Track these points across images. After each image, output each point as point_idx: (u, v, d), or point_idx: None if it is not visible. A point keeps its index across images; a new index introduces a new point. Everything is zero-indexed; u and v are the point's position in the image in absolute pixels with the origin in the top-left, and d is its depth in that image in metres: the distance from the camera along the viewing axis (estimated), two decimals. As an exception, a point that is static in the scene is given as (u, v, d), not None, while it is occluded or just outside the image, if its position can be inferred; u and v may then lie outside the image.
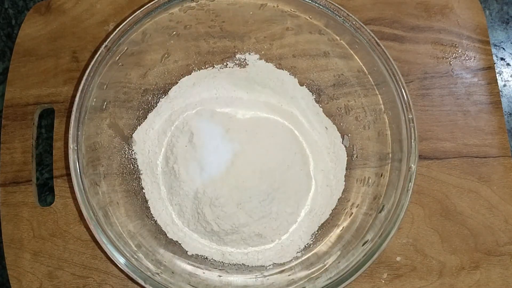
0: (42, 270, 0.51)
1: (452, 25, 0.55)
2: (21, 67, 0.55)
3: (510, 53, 0.59)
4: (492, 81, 0.54)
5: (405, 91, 0.44)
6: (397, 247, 0.51)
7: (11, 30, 0.61)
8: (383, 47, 0.45)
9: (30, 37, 0.56)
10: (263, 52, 0.53)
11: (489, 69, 0.54)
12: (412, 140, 0.44)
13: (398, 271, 0.50)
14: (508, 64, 0.58)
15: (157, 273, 0.43)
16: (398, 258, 0.50)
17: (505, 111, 0.54)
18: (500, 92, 0.54)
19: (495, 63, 0.55)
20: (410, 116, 0.44)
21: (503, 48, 0.59)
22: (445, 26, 0.55)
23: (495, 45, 0.58)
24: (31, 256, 0.51)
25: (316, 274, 0.45)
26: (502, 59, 0.58)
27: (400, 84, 0.45)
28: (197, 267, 0.48)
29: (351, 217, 0.49)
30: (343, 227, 0.49)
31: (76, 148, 0.43)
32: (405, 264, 0.50)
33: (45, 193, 0.56)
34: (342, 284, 0.42)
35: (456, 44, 0.55)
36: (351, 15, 0.46)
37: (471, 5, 0.56)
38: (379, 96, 0.48)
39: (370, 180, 0.49)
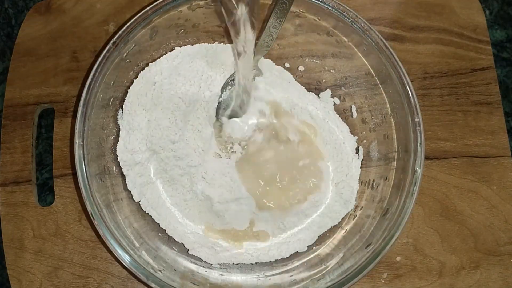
0: (42, 270, 0.51)
1: (452, 25, 0.55)
2: (21, 67, 0.55)
3: (510, 53, 0.59)
4: (492, 81, 0.54)
5: (412, 94, 0.44)
6: (397, 247, 0.51)
7: (11, 30, 0.61)
8: (391, 49, 0.45)
9: (30, 37, 0.56)
10: (270, 52, 0.53)
11: (489, 69, 0.54)
12: (418, 144, 0.44)
13: (398, 271, 0.50)
14: (508, 64, 0.58)
15: (159, 270, 0.43)
16: (398, 258, 0.50)
17: (505, 111, 0.54)
18: (500, 92, 0.54)
19: (495, 63, 0.55)
20: (417, 120, 0.44)
21: (503, 48, 0.59)
22: (445, 26, 0.55)
23: (495, 45, 0.58)
24: (31, 256, 0.51)
25: (318, 275, 0.45)
26: (502, 59, 0.58)
27: (408, 87, 0.44)
28: (199, 265, 0.49)
29: (354, 220, 0.49)
30: (346, 230, 0.49)
31: (82, 143, 0.43)
32: (405, 264, 0.50)
33: (45, 193, 0.56)
34: (344, 286, 0.42)
35: (456, 44, 0.55)
36: (359, 16, 0.46)
37: (471, 5, 0.56)
38: (386, 98, 0.48)
39: (374, 183, 0.49)
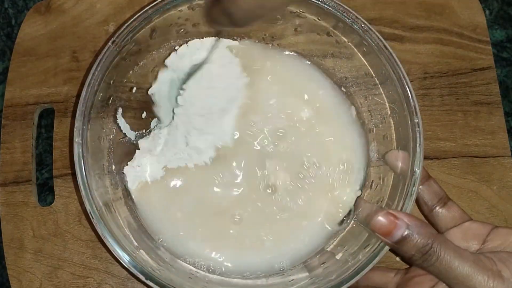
0: (42, 270, 0.51)
1: (452, 25, 0.55)
2: (21, 67, 0.55)
3: (510, 53, 0.58)
4: (492, 81, 0.54)
5: (411, 95, 0.44)
6: (397, 247, 0.50)
7: (11, 30, 0.61)
8: (390, 50, 0.45)
9: (30, 37, 0.56)
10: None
11: (489, 69, 0.54)
12: (418, 145, 0.43)
13: (398, 271, 0.50)
14: (508, 64, 0.58)
15: (159, 270, 0.43)
16: (398, 258, 0.50)
17: (505, 111, 0.54)
18: (500, 92, 0.54)
19: (495, 63, 0.55)
20: (416, 121, 0.44)
21: (503, 48, 0.59)
22: (445, 26, 0.55)
23: (495, 45, 0.58)
24: (31, 256, 0.51)
25: (318, 275, 0.45)
26: (502, 59, 0.58)
27: (407, 88, 0.44)
28: (198, 267, 0.48)
29: (354, 220, 0.49)
30: (345, 230, 0.49)
31: (81, 142, 0.43)
32: (405, 264, 0.50)
33: (45, 193, 0.56)
34: (344, 286, 0.41)
35: (456, 44, 0.55)
36: (359, 16, 0.46)
37: (471, 5, 0.56)
38: (385, 99, 0.48)
39: (373, 183, 0.49)
